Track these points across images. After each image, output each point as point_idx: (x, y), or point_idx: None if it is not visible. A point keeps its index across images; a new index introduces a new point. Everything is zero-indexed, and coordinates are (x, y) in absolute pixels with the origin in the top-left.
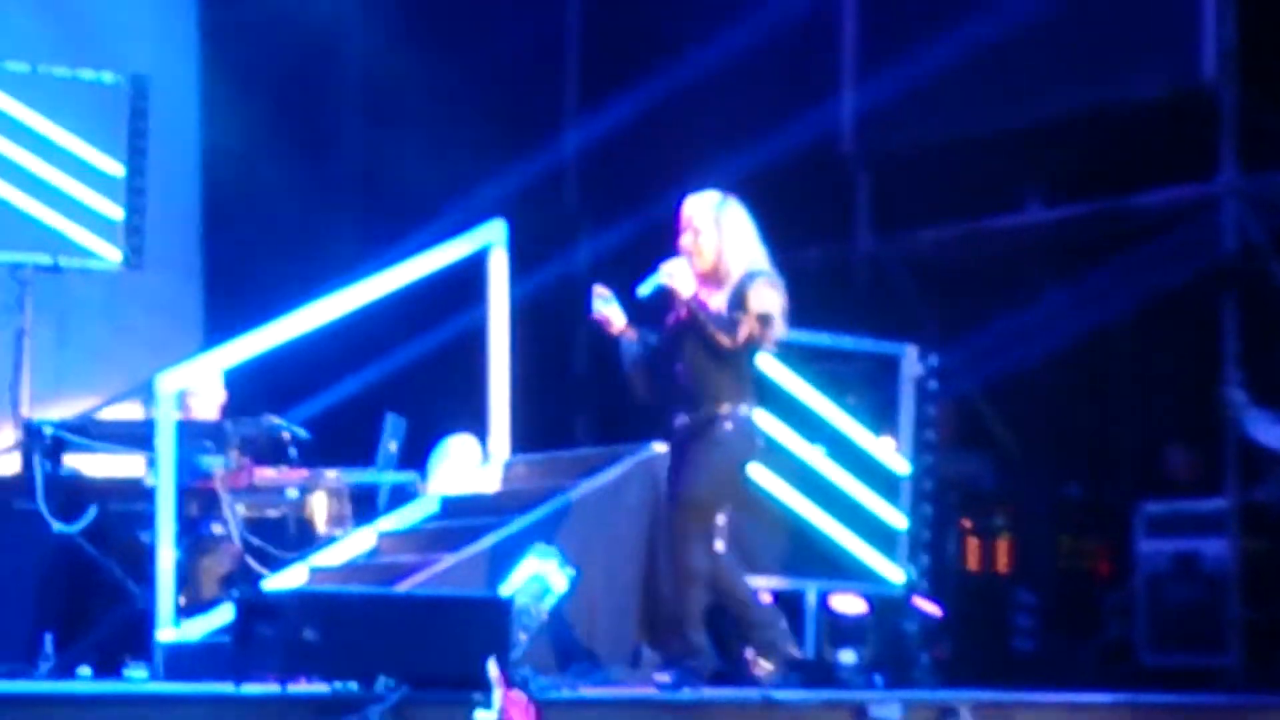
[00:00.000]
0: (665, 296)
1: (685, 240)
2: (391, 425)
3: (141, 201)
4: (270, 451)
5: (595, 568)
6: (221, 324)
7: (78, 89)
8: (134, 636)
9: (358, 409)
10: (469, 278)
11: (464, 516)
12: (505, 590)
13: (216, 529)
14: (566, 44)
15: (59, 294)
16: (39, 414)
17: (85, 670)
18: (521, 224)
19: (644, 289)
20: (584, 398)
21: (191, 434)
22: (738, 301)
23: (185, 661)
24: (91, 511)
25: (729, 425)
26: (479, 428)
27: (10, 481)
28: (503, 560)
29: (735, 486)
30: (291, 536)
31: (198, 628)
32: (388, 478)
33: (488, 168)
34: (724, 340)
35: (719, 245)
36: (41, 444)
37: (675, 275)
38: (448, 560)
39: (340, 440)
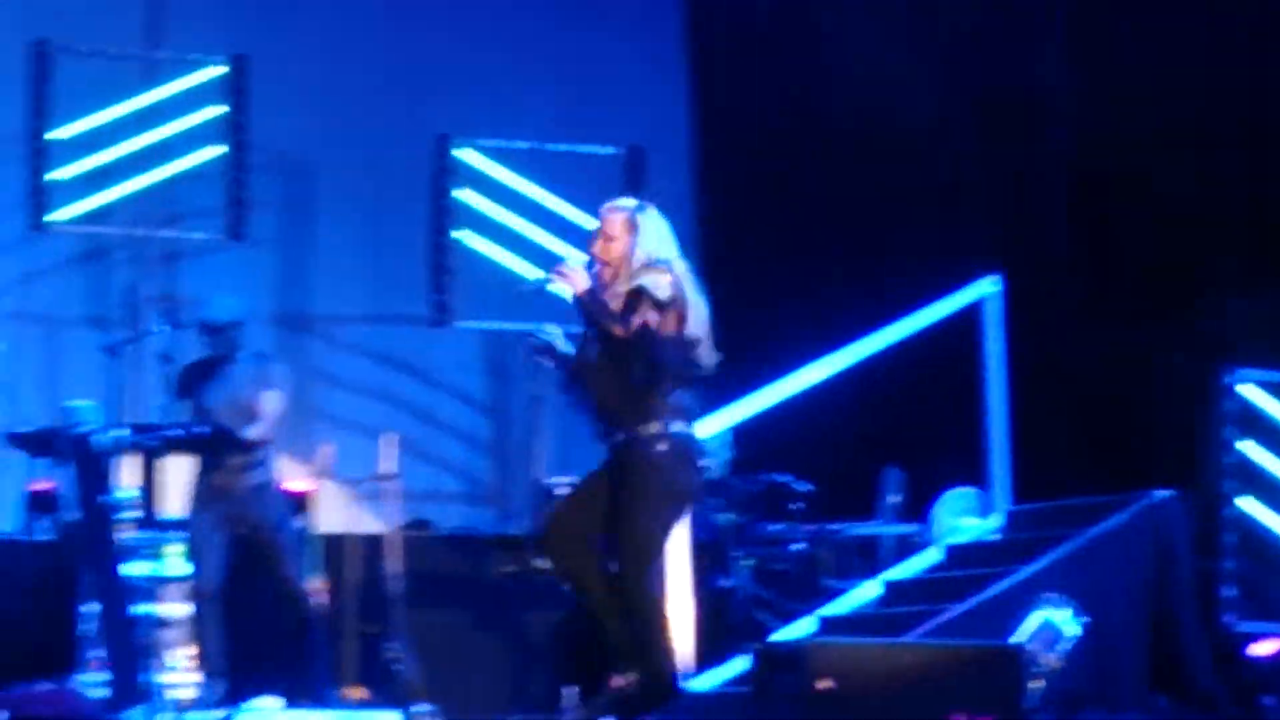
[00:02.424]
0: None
1: (595, 247)
2: (892, 479)
3: None
4: (775, 506)
5: (1106, 614)
6: (722, 384)
7: (577, 162)
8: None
9: (858, 463)
10: (967, 329)
11: (970, 566)
12: (1016, 638)
13: (726, 582)
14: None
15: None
16: (553, 477)
17: None
18: (1014, 274)
19: (527, 285)
20: (1079, 445)
21: (702, 490)
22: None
23: (702, 711)
24: None
25: (661, 447)
26: (980, 479)
27: (521, 541)
28: (1010, 609)
29: (679, 511)
30: (798, 588)
31: (712, 679)
32: (891, 529)
33: (980, 218)
34: (616, 329)
35: (626, 252)
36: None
37: (568, 274)
38: (956, 609)
39: (843, 494)
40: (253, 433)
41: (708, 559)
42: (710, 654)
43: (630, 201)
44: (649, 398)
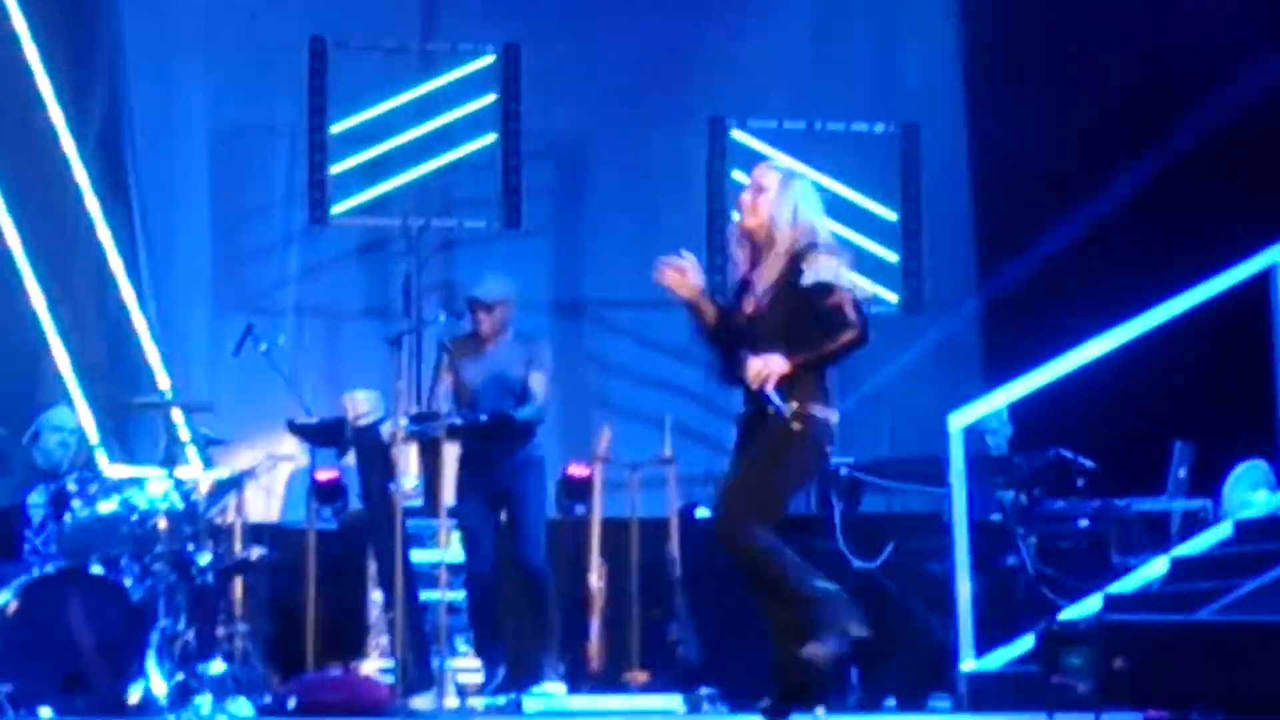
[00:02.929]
0: (743, 292)
1: (745, 196)
2: (1180, 452)
3: (916, 246)
4: (1059, 483)
5: None
6: (1000, 361)
7: (851, 141)
8: (936, 668)
9: (1145, 437)
10: (1260, 296)
11: (1262, 541)
12: None
13: (1010, 560)
14: None
15: None
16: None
17: (890, 702)
18: None
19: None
20: None
21: (983, 469)
22: (795, 278)
23: (988, 692)
24: (888, 547)
25: (796, 426)
26: (1273, 452)
27: (808, 521)
28: None
29: (801, 487)
30: (1084, 565)
31: (998, 658)
32: (1179, 504)
33: (1266, 181)
34: (856, 338)
35: (775, 209)
36: (838, 484)
37: (769, 374)
38: (1247, 586)
39: (1129, 469)
40: (526, 413)
41: (991, 537)
42: (995, 633)
43: (788, 163)
44: (803, 377)
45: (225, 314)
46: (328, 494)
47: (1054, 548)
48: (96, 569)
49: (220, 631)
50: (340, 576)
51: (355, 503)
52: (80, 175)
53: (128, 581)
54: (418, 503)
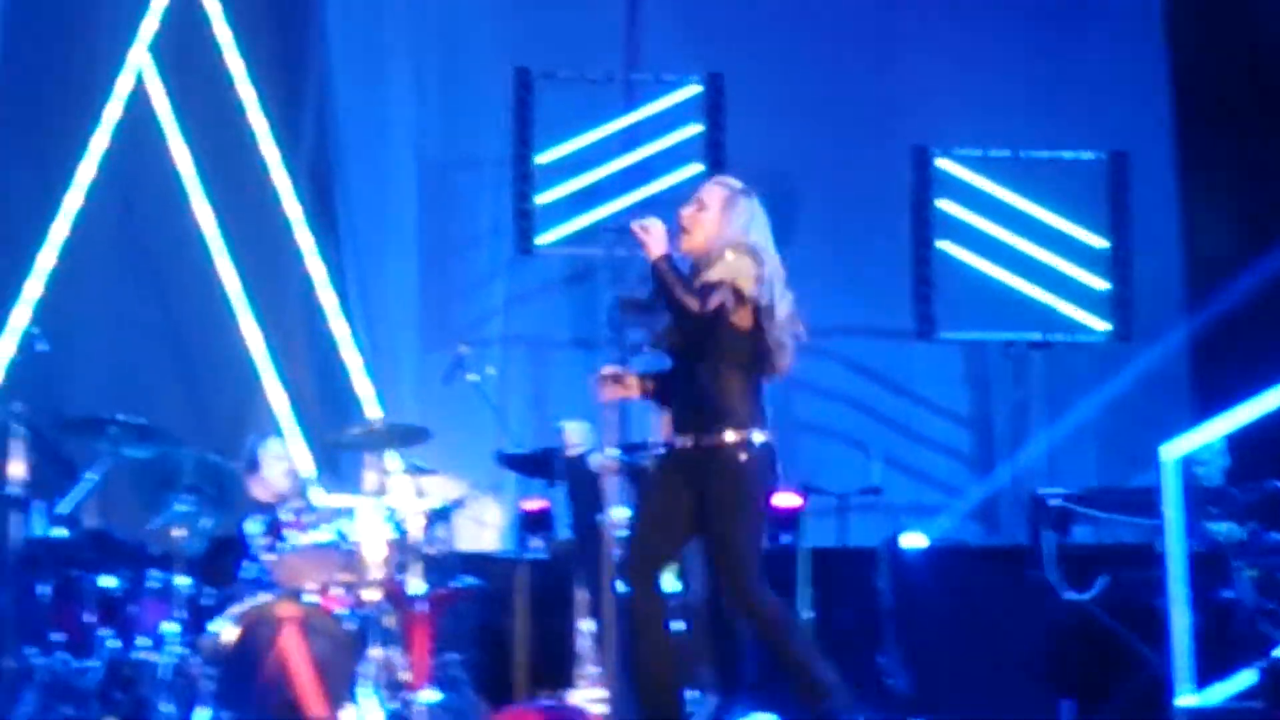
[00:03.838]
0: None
1: (684, 211)
2: None
3: (1126, 274)
4: (1278, 515)
5: None
6: (1209, 392)
7: (1058, 168)
8: (1153, 703)
9: None
10: None
11: None
12: None
13: (1228, 594)
14: None
15: (1050, 368)
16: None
17: None
18: None
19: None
20: None
21: (1198, 500)
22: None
23: None
24: (1102, 579)
25: (743, 456)
26: None
27: (1020, 552)
28: None
29: (763, 520)
30: None
31: (1218, 693)
32: None
33: None
34: (690, 303)
35: (714, 229)
36: (1048, 515)
37: (649, 231)
38: None
39: None
40: None
41: (1208, 570)
42: (1215, 668)
43: (736, 182)
44: (724, 400)
45: (433, 345)
46: (536, 524)
47: (1274, 581)
48: (311, 598)
49: (432, 660)
50: (549, 606)
51: (565, 532)
52: (292, 209)
53: (341, 610)
54: (627, 533)
